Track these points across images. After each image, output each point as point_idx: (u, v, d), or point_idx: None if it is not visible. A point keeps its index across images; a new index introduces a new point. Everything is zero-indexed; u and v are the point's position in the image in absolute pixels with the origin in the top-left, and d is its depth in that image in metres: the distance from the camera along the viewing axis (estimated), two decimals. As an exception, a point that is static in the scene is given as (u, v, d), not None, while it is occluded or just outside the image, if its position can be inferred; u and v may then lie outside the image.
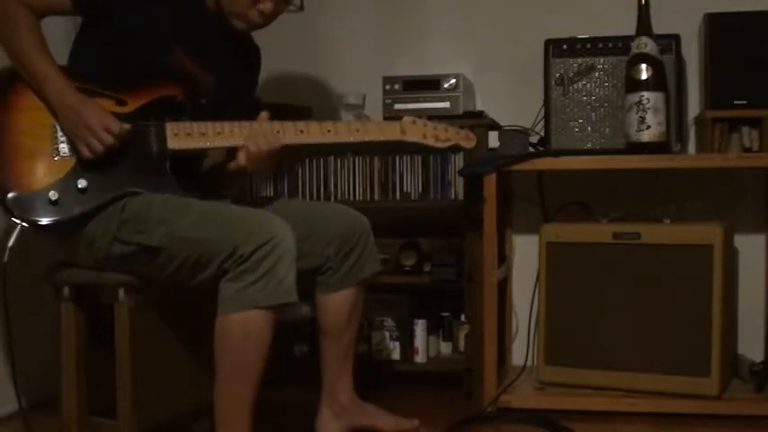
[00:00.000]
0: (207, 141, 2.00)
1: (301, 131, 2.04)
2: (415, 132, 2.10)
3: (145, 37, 2.03)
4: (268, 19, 2.15)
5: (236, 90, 2.22)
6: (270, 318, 1.84)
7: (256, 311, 1.82)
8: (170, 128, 1.99)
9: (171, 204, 1.93)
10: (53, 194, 1.91)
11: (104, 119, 1.92)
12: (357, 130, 2.07)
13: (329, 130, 2.06)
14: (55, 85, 1.93)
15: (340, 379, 2.20)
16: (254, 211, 1.95)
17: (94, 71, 2.01)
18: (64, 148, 1.95)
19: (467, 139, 2.13)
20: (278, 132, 2.00)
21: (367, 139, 2.08)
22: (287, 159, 2.79)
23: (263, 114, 2.03)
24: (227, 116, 2.05)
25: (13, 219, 1.91)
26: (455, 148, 2.13)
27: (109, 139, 1.90)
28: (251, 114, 2.07)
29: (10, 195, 1.90)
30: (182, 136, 1.99)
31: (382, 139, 2.09)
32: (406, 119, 2.10)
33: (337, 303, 2.16)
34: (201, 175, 2.19)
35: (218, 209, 1.94)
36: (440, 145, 2.11)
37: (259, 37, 2.44)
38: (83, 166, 1.93)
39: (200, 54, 2.10)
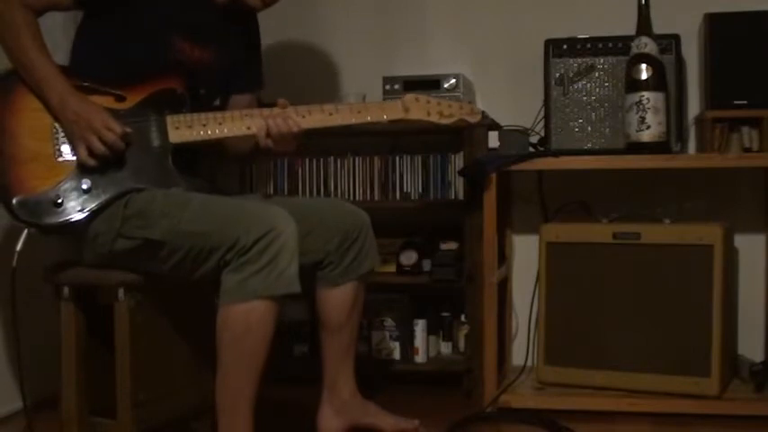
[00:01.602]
0: (209, 132, 2.00)
1: (303, 116, 2.04)
2: (419, 110, 2.08)
3: (146, 29, 2.03)
4: None
5: (242, 72, 2.24)
6: (272, 308, 1.84)
7: (258, 302, 1.82)
8: (170, 121, 2.00)
9: (173, 198, 1.94)
10: (58, 197, 1.91)
11: (106, 119, 1.92)
12: (359, 112, 2.07)
13: (331, 113, 2.05)
14: (55, 86, 1.93)
15: (341, 374, 2.20)
16: (255, 203, 1.95)
17: (95, 66, 2.02)
18: (66, 148, 1.95)
19: (471, 114, 2.12)
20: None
21: (369, 119, 2.06)
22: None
23: (282, 101, 2.05)
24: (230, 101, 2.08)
25: (19, 223, 1.91)
26: (460, 124, 2.12)
27: (111, 137, 1.90)
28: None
29: (15, 199, 1.90)
30: (183, 129, 2.00)
31: (385, 118, 2.07)
32: (409, 96, 2.09)
33: (338, 298, 2.16)
34: (204, 169, 2.20)
35: (219, 201, 1.95)
36: (444, 121, 2.10)
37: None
38: (85, 165, 1.93)
39: (204, 42, 2.11)
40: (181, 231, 1.88)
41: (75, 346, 2.02)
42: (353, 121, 2.06)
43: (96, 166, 1.92)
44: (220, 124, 2.01)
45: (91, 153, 1.92)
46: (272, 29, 2.53)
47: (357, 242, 2.14)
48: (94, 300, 2.03)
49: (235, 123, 2.02)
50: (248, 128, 2.02)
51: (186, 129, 2.00)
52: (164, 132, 1.99)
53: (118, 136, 1.92)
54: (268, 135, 2.01)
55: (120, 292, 1.95)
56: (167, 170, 1.98)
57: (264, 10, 2.20)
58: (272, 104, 2.08)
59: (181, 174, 2.00)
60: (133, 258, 1.96)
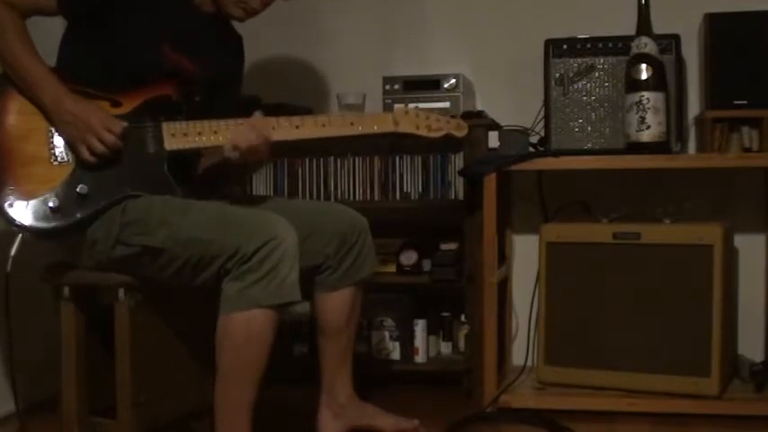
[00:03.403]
0: (203, 140, 2.00)
1: (297, 127, 2.03)
2: (408, 123, 2.09)
3: (131, 37, 2.01)
4: (266, 5, 2.15)
5: (229, 82, 2.23)
6: (272, 317, 1.83)
7: (259, 311, 1.82)
8: (166, 128, 1.99)
9: (172, 205, 1.93)
10: (53, 201, 1.90)
11: (104, 118, 1.91)
12: (351, 124, 2.07)
13: (324, 125, 2.05)
14: (49, 88, 1.92)
15: (339, 378, 2.20)
16: (255, 211, 1.95)
17: (84, 73, 2.00)
18: (61, 152, 1.94)
19: (458, 128, 2.13)
20: (273, 128, 2.00)
21: (361, 130, 2.07)
22: (285, 153, 2.80)
23: (258, 113, 2.03)
24: (222, 111, 2.05)
25: (14, 227, 1.90)
26: (448, 138, 2.13)
27: (111, 139, 1.90)
28: (246, 107, 2.07)
29: (10, 204, 1.89)
30: (178, 136, 1.99)
31: (376, 130, 2.09)
32: (398, 108, 2.10)
33: (336, 303, 2.16)
34: (200, 175, 2.19)
35: (219, 209, 1.94)
36: (432, 135, 2.11)
37: (258, 36, 2.44)
38: (82, 170, 1.92)
39: (191, 51, 2.10)
40: (180, 239, 1.87)
41: (75, 346, 2.02)
42: (345, 132, 2.06)
43: (97, 164, 1.91)
44: (215, 132, 2.00)
45: (91, 152, 1.91)
46: (273, 29, 2.53)
47: (355, 246, 2.14)
48: (94, 300, 2.03)
49: (230, 132, 2.01)
50: None
51: (182, 136, 1.98)
52: (159, 140, 1.97)
53: (117, 136, 1.91)
54: (235, 147, 1.95)
55: (121, 292, 1.95)
56: (163, 177, 1.97)
57: (248, 19, 2.18)
58: (271, 105, 2.07)
59: (177, 180, 1.98)
60: (132, 265, 1.95)
